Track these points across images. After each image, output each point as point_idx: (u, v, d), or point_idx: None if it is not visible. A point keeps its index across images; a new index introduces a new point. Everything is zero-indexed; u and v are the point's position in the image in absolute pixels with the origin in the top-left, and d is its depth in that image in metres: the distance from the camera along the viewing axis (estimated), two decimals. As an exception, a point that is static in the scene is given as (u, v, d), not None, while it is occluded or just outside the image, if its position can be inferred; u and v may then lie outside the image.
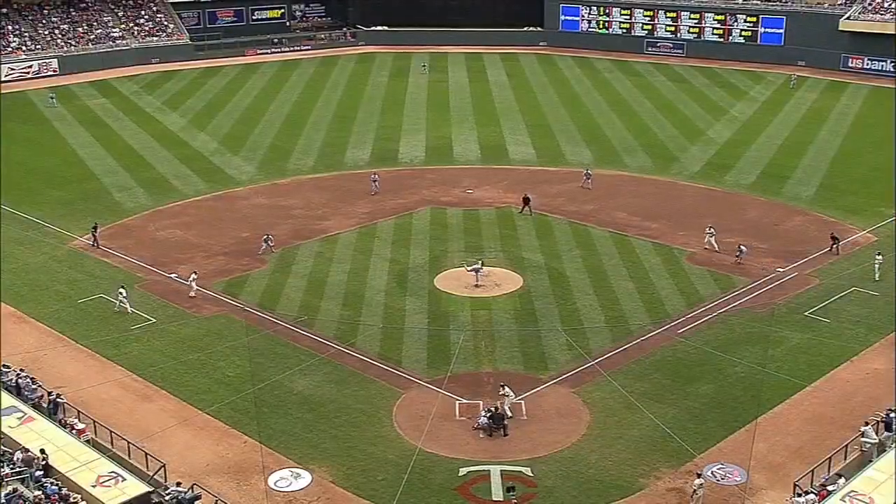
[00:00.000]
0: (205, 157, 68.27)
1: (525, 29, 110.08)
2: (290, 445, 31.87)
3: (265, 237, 49.64)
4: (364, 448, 31.81)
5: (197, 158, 67.70)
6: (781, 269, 46.90)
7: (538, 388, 35.64)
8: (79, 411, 32.02)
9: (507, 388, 33.64)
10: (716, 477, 29.79)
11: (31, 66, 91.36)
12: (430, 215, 55.93)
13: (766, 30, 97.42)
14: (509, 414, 32.85)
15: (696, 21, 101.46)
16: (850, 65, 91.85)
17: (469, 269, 44.54)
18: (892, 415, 30.42)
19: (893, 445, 28.95)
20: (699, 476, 29.05)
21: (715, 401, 34.61)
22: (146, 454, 29.62)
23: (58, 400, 32.11)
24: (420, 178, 63.44)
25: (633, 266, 47.95)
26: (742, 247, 48.10)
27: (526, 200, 55.51)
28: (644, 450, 31.60)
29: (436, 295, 44.69)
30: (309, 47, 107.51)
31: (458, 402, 34.74)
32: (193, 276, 43.89)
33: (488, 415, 32.46)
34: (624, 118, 77.82)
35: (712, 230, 50.12)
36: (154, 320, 41.79)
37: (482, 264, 44.97)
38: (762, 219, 54.77)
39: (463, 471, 30.35)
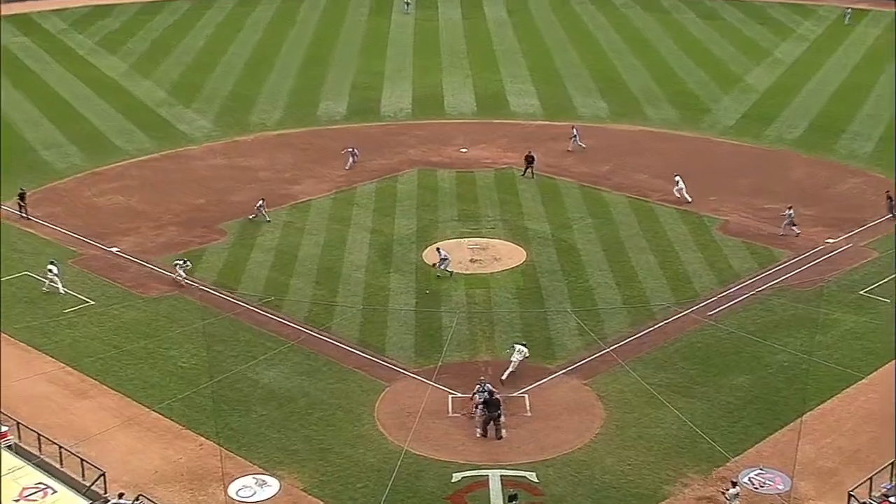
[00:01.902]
0: (150, 108, 67.83)
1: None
2: (254, 448, 31.97)
3: (259, 204, 49.68)
4: (341, 450, 31.88)
5: (141, 110, 67.24)
6: (832, 240, 46.96)
7: (544, 380, 35.79)
8: (-1, 411, 32.14)
9: (520, 347, 35.34)
10: (754, 484, 29.78)
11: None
12: (418, 178, 55.90)
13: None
14: (513, 369, 34.21)
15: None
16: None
17: (439, 264, 43.62)
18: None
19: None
20: (734, 484, 29.00)
21: (752, 395, 34.72)
22: (82, 461, 29.57)
23: (-26, 398, 32.41)
24: (406, 134, 63.28)
25: (656, 237, 47.99)
26: (790, 212, 47.64)
27: (529, 160, 55.51)
28: (668, 452, 31.68)
29: (425, 271, 44.67)
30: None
31: (451, 395, 34.71)
32: (179, 263, 43.03)
33: (481, 400, 32.42)
34: (646, 62, 77.51)
35: (679, 179, 51.22)
36: (92, 302, 41.64)
37: (446, 260, 43.33)
38: (810, 180, 54.76)
39: (457, 476, 30.44)
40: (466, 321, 39.99)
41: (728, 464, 30.70)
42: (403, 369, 36.54)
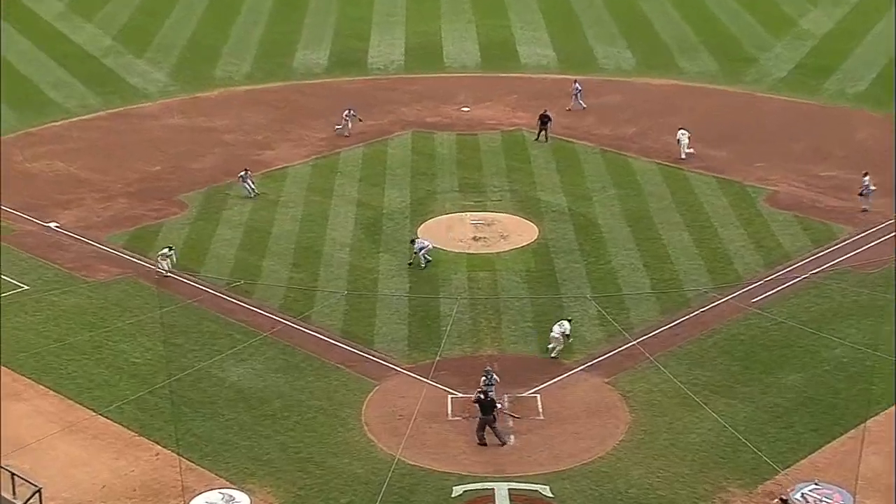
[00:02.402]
0: (94, 58, 67.63)
1: None
2: (220, 458, 31.95)
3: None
4: (323, 460, 31.93)
5: (83, 60, 66.97)
6: (902, 213, 47.52)
7: (559, 378, 35.95)
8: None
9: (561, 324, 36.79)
10: (808, 501, 29.62)
11: None
12: (412, 142, 55.98)
13: None
14: (560, 347, 35.84)
15: None
16: None
17: (416, 252, 43.28)
18: None
19: None
20: (784, 502, 29.24)
21: (805, 396, 34.75)
22: (13, 475, 29.43)
23: None
24: (398, 90, 63.25)
25: (691, 210, 48.12)
26: (868, 180, 46.71)
27: (543, 121, 55.56)
28: (706, 462, 31.68)
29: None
30: None
31: (450, 396, 34.98)
32: (165, 252, 42.23)
33: (474, 398, 32.80)
34: (679, 4, 77.31)
35: (685, 131, 52.03)
36: (26, 287, 41.58)
37: (423, 248, 43.08)
38: (877, 142, 54.62)
39: (457, 490, 30.49)
40: (468, 309, 40.04)
41: (777, 477, 30.67)
42: (395, 365, 36.68)
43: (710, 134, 53.77)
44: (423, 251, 43.11)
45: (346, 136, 56.24)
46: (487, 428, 32.45)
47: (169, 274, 41.94)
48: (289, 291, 41.22)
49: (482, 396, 32.63)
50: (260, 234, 46.01)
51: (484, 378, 33.92)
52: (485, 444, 32.34)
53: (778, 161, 52.53)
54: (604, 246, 44.75)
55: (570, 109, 59.28)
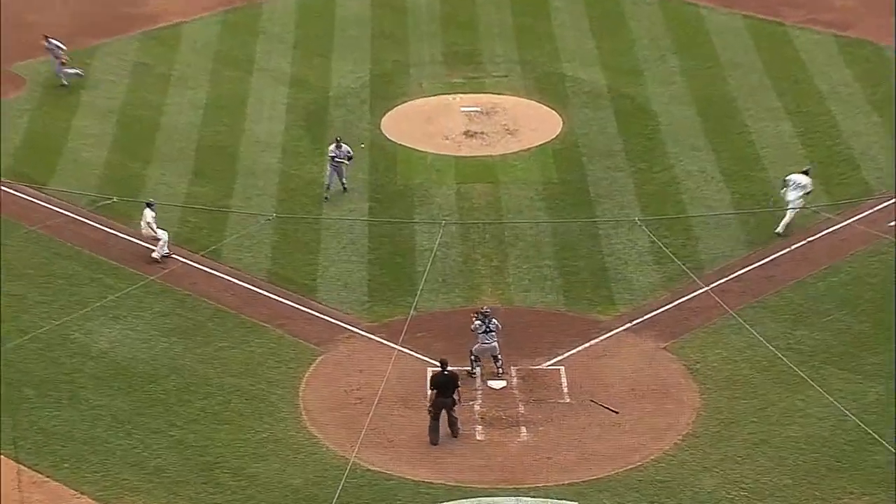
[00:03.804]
0: None
1: None
2: (84, 465, 31.87)
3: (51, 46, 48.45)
4: (240, 466, 32.04)
5: None
6: None
7: (593, 341, 36.35)
8: None
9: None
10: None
11: None
12: (372, -16, 56.26)
13: None
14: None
15: None
16: None
17: (328, 181, 42.90)
18: None
19: None
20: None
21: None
22: None
23: None
24: None
25: (795, 87, 48.58)
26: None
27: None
28: (815, 467, 31.82)
29: (385, 153, 45.17)
30: None
31: (430, 369, 34.99)
32: (160, 236, 40.47)
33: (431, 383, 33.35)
34: None
35: None
36: None
37: (343, 163, 42.71)
38: None
39: (443, 510, 31.03)
40: (458, 240, 40.49)
41: (923, 488, 30.90)
42: (349, 324, 36.96)
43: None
44: (338, 168, 42.30)
45: None
46: (444, 416, 32.60)
47: (160, 251, 40.02)
48: (188, 214, 41.34)
49: (440, 371, 32.75)
50: (141, 127, 46.16)
51: (479, 323, 34.25)
52: (434, 443, 32.64)
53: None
54: (661, 144, 45.09)
55: None
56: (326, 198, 42.44)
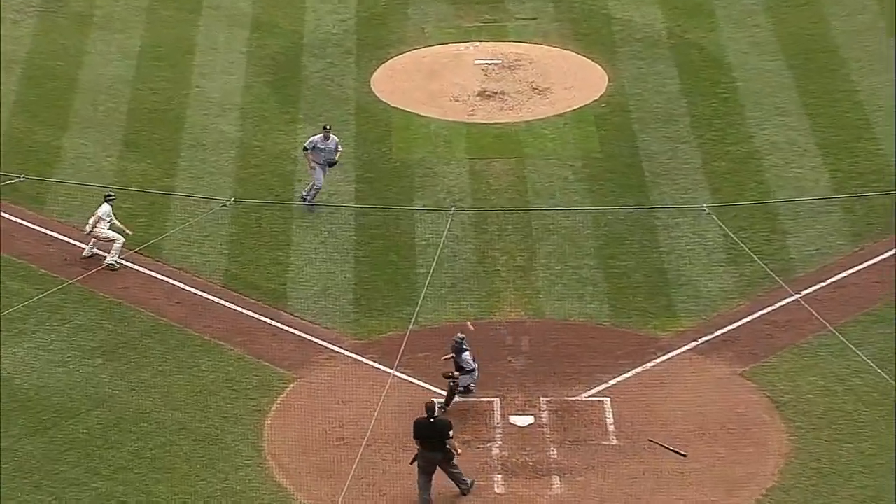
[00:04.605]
0: None
1: None
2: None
3: None
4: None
5: None
6: None
7: (649, 365, 36.52)
8: None
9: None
10: None
11: None
12: None
13: None
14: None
15: None
16: None
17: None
18: None
19: None
20: None
21: None
22: None
23: None
24: None
25: None
26: None
27: None
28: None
29: (377, 119, 45.30)
30: None
31: (437, 401, 34.16)
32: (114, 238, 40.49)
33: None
34: None
35: None
36: None
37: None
38: None
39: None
40: (472, 231, 40.63)
41: None
42: (329, 342, 37.17)
43: None
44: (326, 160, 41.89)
45: None
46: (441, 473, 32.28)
47: (113, 258, 40.00)
48: (120, 198, 40.77)
49: (426, 414, 32.18)
50: (56, 84, 46.39)
51: (452, 351, 34.24)
52: (426, 500, 32.42)
53: None
54: (737, 108, 45.14)
55: None
56: (306, 200, 41.79)
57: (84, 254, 39.78)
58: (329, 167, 41.73)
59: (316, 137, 41.51)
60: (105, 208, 39.47)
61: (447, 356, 34.55)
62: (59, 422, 33.95)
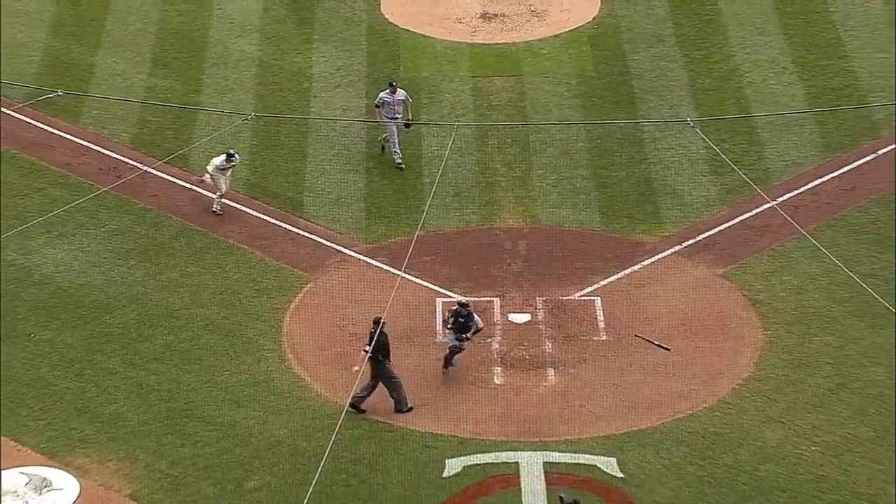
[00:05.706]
0: None
1: None
2: (23, 413, 32.21)
3: None
4: (213, 414, 32.54)
5: None
6: None
7: (637, 267, 36.94)
8: None
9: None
10: None
11: None
12: None
13: None
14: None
15: None
16: None
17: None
18: None
19: None
20: None
21: None
22: None
23: None
24: None
25: None
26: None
27: None
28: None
29: (386, 40, 45.72)
30: None
31: (440, 299, 35.61)
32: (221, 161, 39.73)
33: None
34: None
35: None
36: None
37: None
38: None
39: (454, 465, 31.02)
40: (474, 145, 40.80)
41: None
42: (342, 246, 37.71)
43: None
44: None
45: None
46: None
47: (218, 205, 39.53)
48: (148, 112, 41.61)
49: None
50: (91, 4, 46.39)
51: (451, 322, 33.87)
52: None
53: None
54: (720, 28, 45.32)
55: None
56: (384, 149, 41.11)
57: (215, 208, 38.84)
58: (406, 127, 40.55)
59: (384, 93, 40.51)
60: (220, 160, 38.70)
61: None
62: (97, 316, 34.88)
